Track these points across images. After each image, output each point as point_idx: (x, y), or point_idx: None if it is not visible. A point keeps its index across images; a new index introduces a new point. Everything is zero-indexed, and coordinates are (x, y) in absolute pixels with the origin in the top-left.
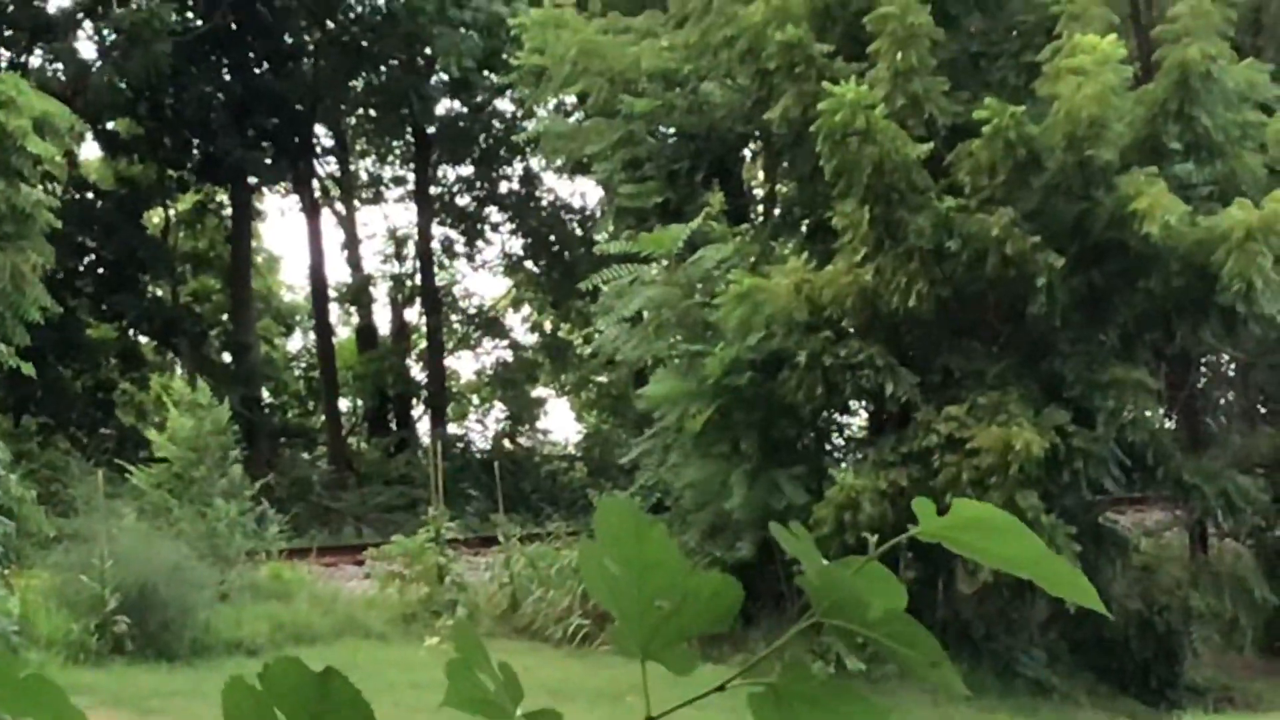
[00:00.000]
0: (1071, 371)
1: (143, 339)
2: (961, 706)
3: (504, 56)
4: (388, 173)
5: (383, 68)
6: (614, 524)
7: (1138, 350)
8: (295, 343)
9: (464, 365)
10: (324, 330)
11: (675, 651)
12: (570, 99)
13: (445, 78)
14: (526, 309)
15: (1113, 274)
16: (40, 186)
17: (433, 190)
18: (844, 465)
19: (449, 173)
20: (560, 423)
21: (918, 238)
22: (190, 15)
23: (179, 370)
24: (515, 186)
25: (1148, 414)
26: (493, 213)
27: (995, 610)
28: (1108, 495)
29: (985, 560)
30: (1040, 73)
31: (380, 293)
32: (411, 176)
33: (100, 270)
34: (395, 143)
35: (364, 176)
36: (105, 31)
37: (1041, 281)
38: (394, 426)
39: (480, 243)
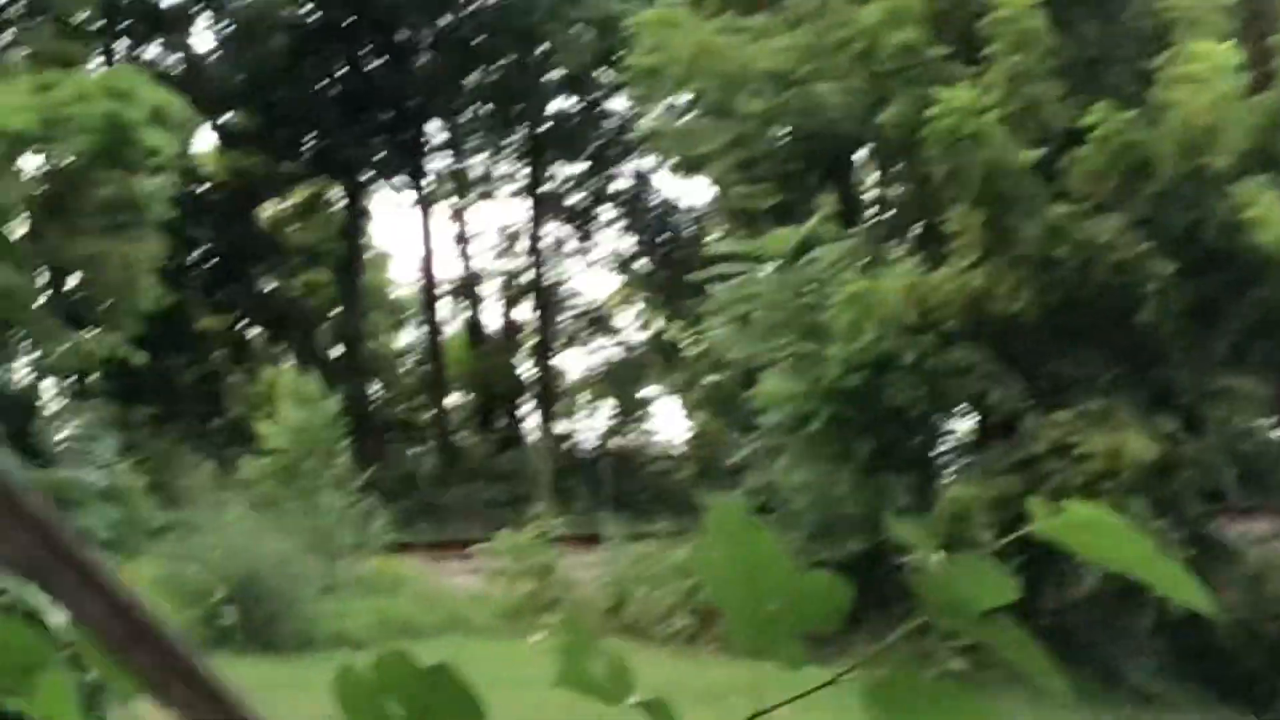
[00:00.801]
0: (1181, 380)
1: (254, 331)
2: (1063, 713)
3: (619, 55)
4: (500, 169)
5: (497, 64)
6: (725, 526)
7: (1248, 359)
8: (405, 338)
9: (573, 363)
10: (434, 326)
11: (785, 648)
12: (684, 98)
13: (559, 75)
14: (637, 307)
15: (1224, 282)
16: (154, 177)
17: (545, 187)
18: (951, 471)
19: (561, 170)
20: (668, 422)
21: (1027, 243)
22: (305, 9)
23: (289, 363)
24: (627, 185)
25: (1257, 423)
26: (604, 210)
27: (1101, 617)
28: (1217, 504)
29: (1098, 561)
30: (1155, 79)
31: (490, 289)
32: (524, 173)
33: (212, 262)
34: (508, 139)
35: (476, 173)
36: (221, 24)
37: (1152, 289)
38: (502, 423)
39: (591, 241)
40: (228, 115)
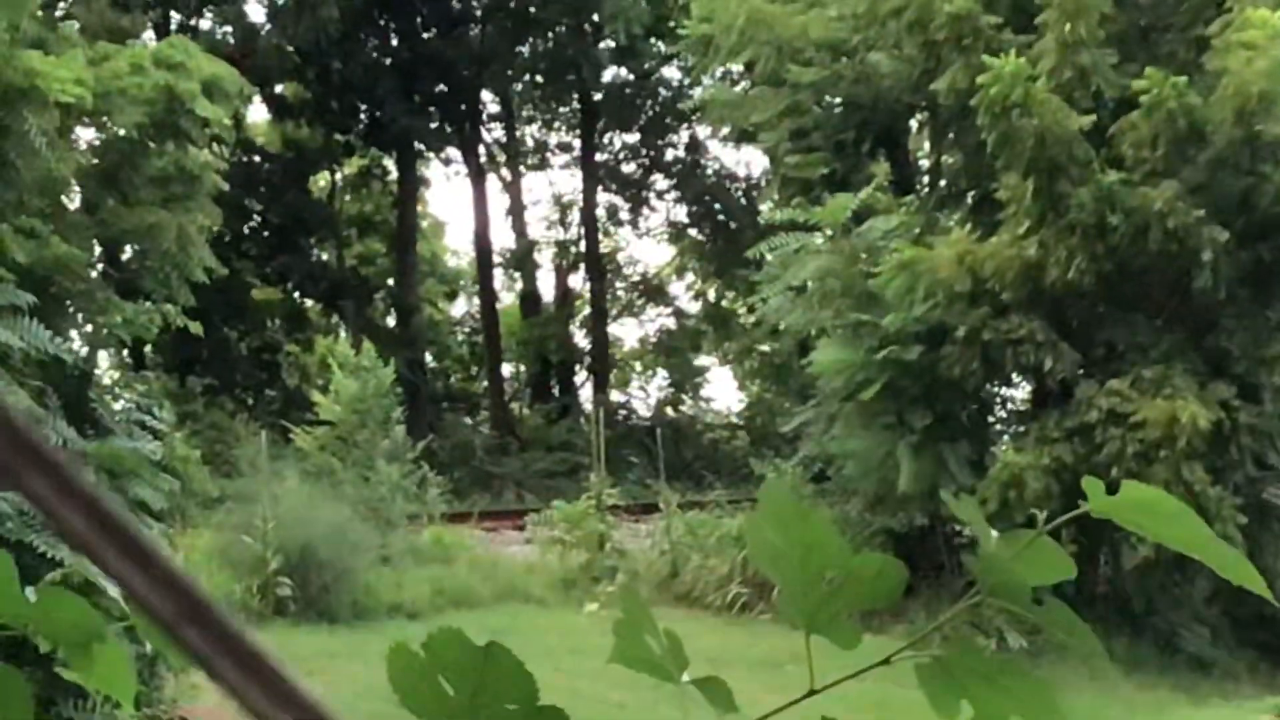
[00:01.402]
0: (1237, 347)
1: (308, 302)
2: (1121, 682)
3: (671, 24)
4: (553, 139)
5: (550, 34)
6: (777, 504)
7: None
8: (459, 308)
9: (627, 332)
10: (488, 296)
11: (839, 625)
12: (737, 67)
13: (612, 45)
14: (690, 277)
15: (1279, 249)
16: (208, 149)
17: (598, 157)
18: (1006, 439)
19: (615, 140)
20: (723, 391)
21: (1080, 211)
22: None
23: (343, 333)
24: (680, 154)
25: None
26: (658, 180)
27: (1157, 585)
28: (1272, 470)
29: (1153, 539)
30: (1210, 46)
31: (544, 259)
32: (577, 143)
33: (266, 233)
34: (561, 109)
35: (529, 143)
36: None
37: (1207, 256)
38: (556, 393)
39: (645, 210)
40: (281, 86)
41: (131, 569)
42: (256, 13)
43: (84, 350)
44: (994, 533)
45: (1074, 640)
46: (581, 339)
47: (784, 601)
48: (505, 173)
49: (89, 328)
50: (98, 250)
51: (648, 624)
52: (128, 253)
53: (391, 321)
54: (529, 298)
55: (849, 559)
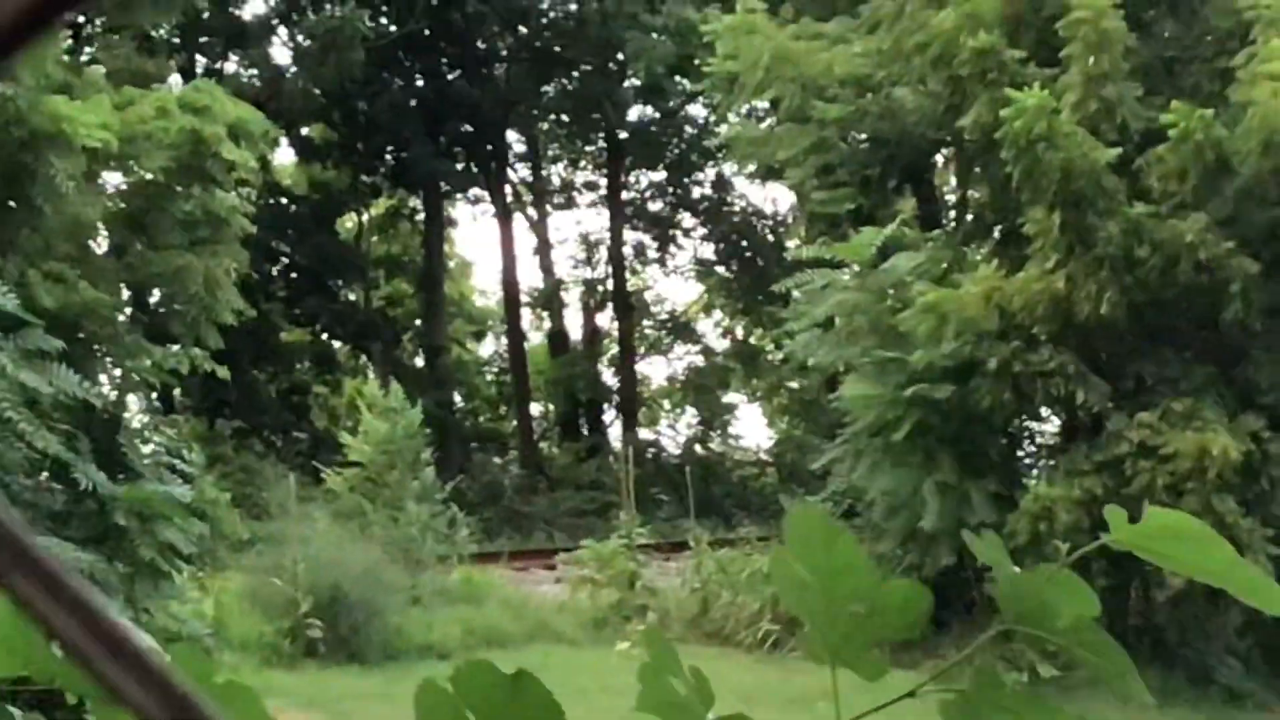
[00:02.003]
0: (1266, 378)
1: (336, 343)
2: (1154, 715)
3: (696, 62)
4: (580, 178)
5: (575, 73)
6: (804, 531)
7: None
8: (487, 348)
9: (655, 370)
10: (516, 335)
11: (865, 657)
12: (762, 104)
13: (637, 83)
14: (718, 314)
15: None
16: (235, 192)
17: (624, 195)
18: (1036, 473)
19: (641, 178)
20: (751, 428)
21: (1108, 244)
22: (384, 21)
23: (371, 374)
24: (707, 192)
25: None
26: (684, 218)
27: (1189, 616)
28: None
29: (1177, 569)
30: (1235, 78)
31: (572, 298)
32: (603, 182)
33: (294, 275)
34: (587, 148)
35: (556, 182)
36: (299, 38)
37: (1236, 288)
38: (585, 431)
39: (672, 248)
40: (307, 128)
41: (124, 675)
42: (282, 55)
43: (113, 394)
44: (1013, 568)
45: (1104, 661)
46: (610, 377)
47: (810, 635)
48: (532, 212)
49: (118, 372)
50: (125, 294)
51: (673, 664)
52: (155, 296)
53: (420, 362)
54: (557, 337)
55: (876, 586)
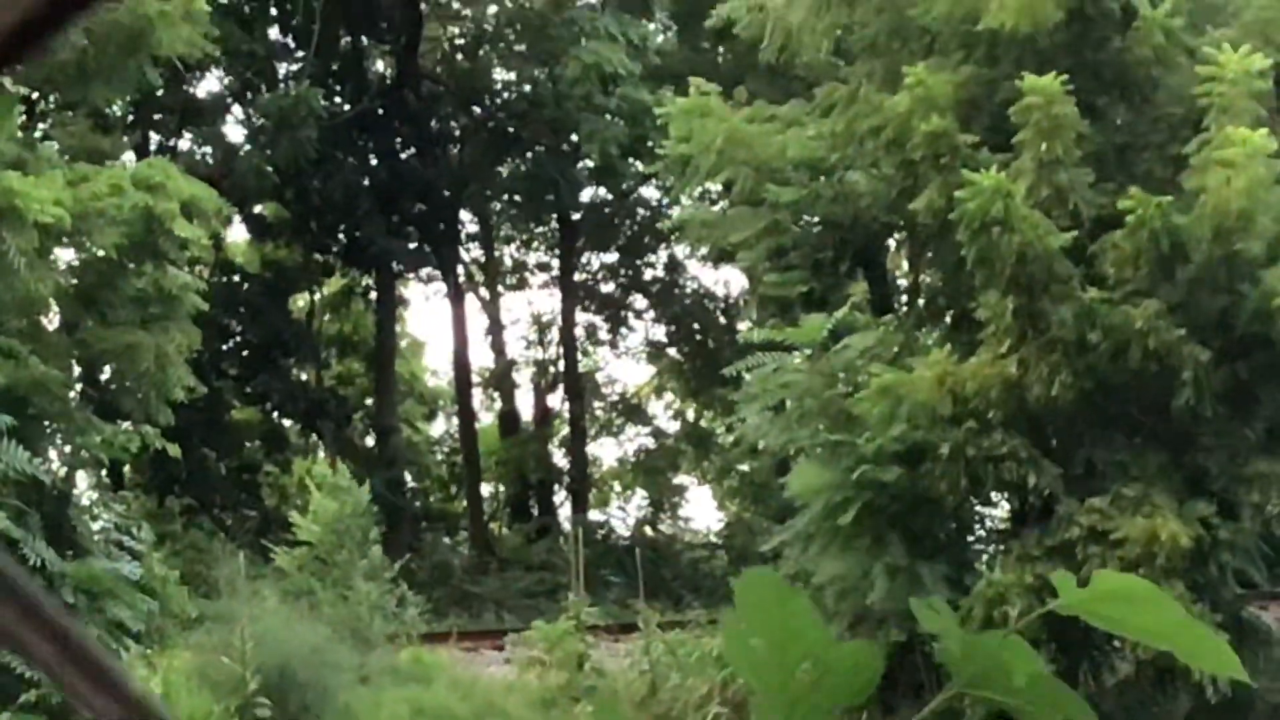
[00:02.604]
0: (1215, 465)
1: (286, 421)
2: None
3: (649, 144)
4: (532, 259)
5: (529, 154)
6: (756, 594)
7: None
8: (438, 427)
9: (606, 451)
10: (467, 415)
11: None
12: (715, 187)
13: (591, 164)
14: (669, 396)
15: (1258, 367)
16: (187, 269)
17: (577, 276)
18: (986, 557)
19: (593, 259)
20: (702, 510)
21: (1060, 328)
22: (338, 100)
23: (322, 453)
24: (659, 273)
25: None
26: (637, 299)
27: (1136, 702)
28: (1253, 589)
29: (1127, 632)
30: (1187, 165)
31: (523, 378)
32: (556, 263)
33: (245, 353)
34: (539, 229)
35: (508, 262)
36: (253, 116)
37: (1188, 375)
38: (535, 512)
39: (624, 329)
40: (260, 206)
41: (99, 697)
42: (236, 133)
43: (63, 471)
44: (961, 633)
45: (1063, 716)
46: (560, 458)
47: (761, 702)
48: (484, 292)
49: (68, 448)
50: (76, 370)
51: None
52: (106, 373)
53: (370, 441)
54: (508, 417)
55: (828, 648)
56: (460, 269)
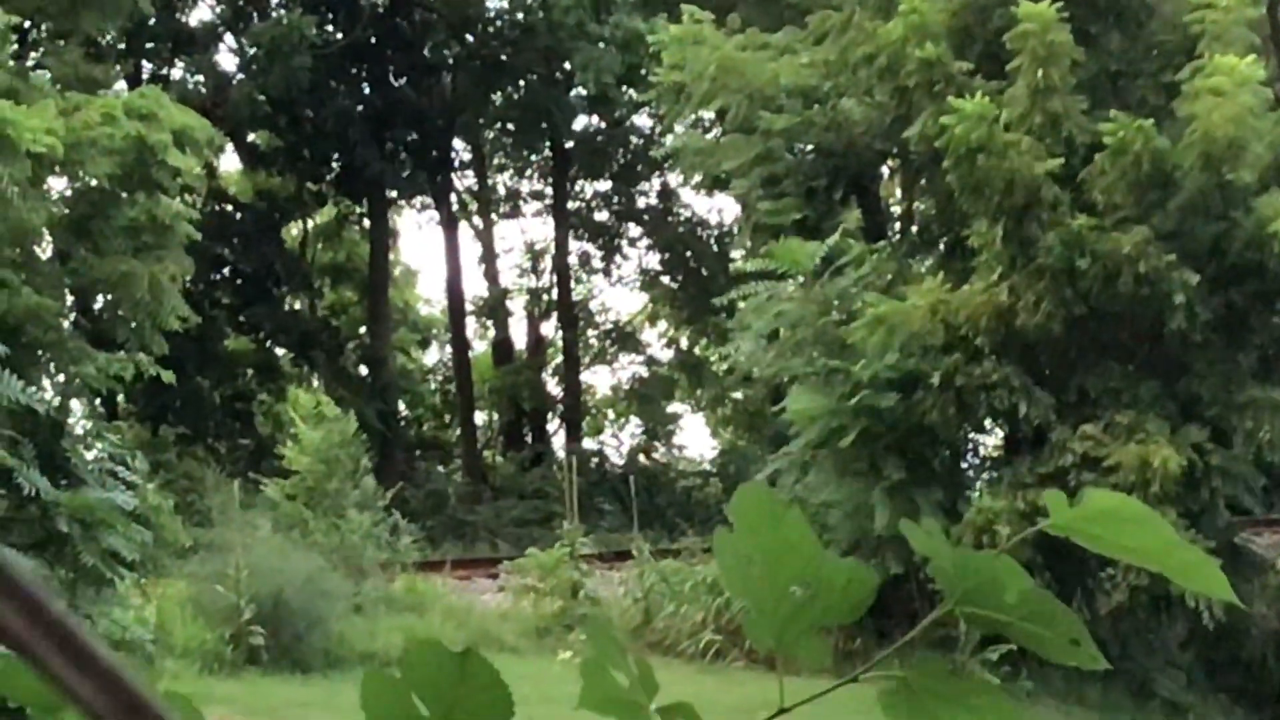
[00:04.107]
0: (1208, 391)
1: (280, 351)
2: None
3: (643, 72)
4: (525, 187)
5: (521, 82)
6: (750, 509)
7: (1275, 371)
8: (432, 356)
9: (600, 380)
10: (460, 344)
11: (809, 642)
12: (708, 115)
13: (584, 93)
14: (663, 324)
15: (1251, 294)
16: (180, 199)
17: (570, 205)
18: (980, 485)
19: (587, 188)
20: (696, 439)
21: (1048, 255)
22: (330, 29)
23: (316, 382)
24: (652, 202)
25: None
26: (630, 228)
27: (1131, 630)
28: (1245, 515)
29: (1116, 553)
30: (1180, 92)
31: (517, 307)
32: (549, 191)
33: (238, 282)
34: (533, 157)
35: (501, 191)
36: (246, 45)
37: (1179, 300)
38: (529, 441)
39: (617, 258)
40: (253, 135)
41: (71, 669)
42: (229, 62)
43: (56, 400)
44: (952, 550)
45: (1059, 632)
46: (554, 387)
47: (752, 621)
48: (477, 220)
49: (61, 377)
50: (70, 300)
51: (616, 657)
52: (100, 302)
53: (364, 370)
54: (501, 346)
55: (822, 564)
56: (453, 197)
